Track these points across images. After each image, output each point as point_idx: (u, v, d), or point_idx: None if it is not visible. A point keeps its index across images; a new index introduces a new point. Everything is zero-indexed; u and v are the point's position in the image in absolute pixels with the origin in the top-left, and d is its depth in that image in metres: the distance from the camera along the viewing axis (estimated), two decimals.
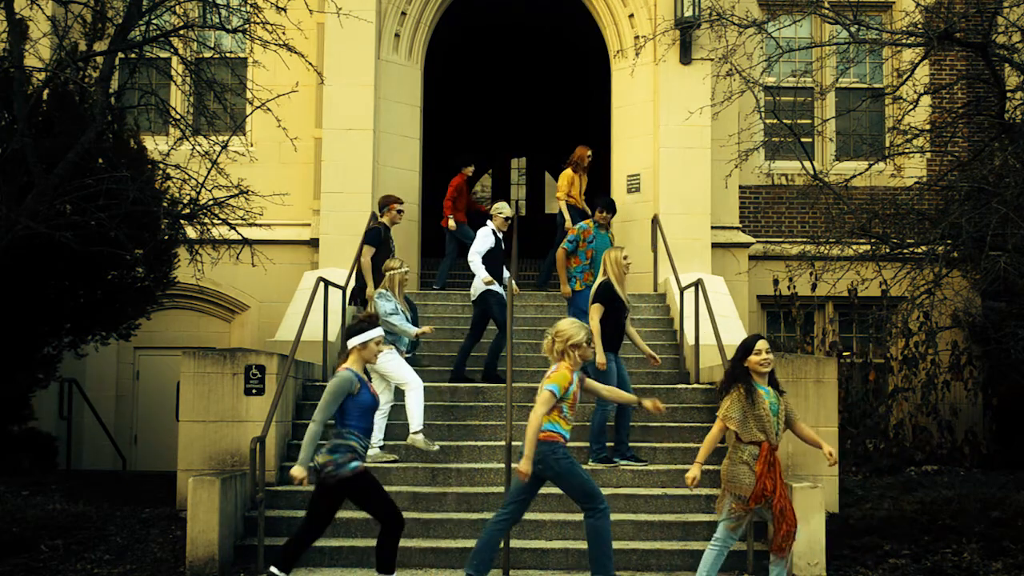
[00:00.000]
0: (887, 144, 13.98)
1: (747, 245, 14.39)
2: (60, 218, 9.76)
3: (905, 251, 11.94)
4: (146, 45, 10.38)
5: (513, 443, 8.35)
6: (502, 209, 11.41)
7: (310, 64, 11.25)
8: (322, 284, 10.80)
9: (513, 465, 7.27)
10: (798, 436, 6.96)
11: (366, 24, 13.28)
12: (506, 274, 11.33)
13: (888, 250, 12.10)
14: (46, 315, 11.32)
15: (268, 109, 10.42)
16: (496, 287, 10.94)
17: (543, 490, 8.92)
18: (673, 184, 13.58)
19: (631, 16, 14.20)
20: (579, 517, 8.52)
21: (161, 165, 11.37)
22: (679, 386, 10.76)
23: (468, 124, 21.42)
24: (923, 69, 13.99)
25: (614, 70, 14.50)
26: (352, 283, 11.30)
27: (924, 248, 11.67)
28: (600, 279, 9.59)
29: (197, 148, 10.98)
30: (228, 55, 13.16)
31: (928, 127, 13.23)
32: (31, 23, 10.88)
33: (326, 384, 7.53)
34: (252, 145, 14.45)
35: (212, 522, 8.00)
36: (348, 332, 6.93)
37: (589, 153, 13.66)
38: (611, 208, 11.45)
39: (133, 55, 10.50)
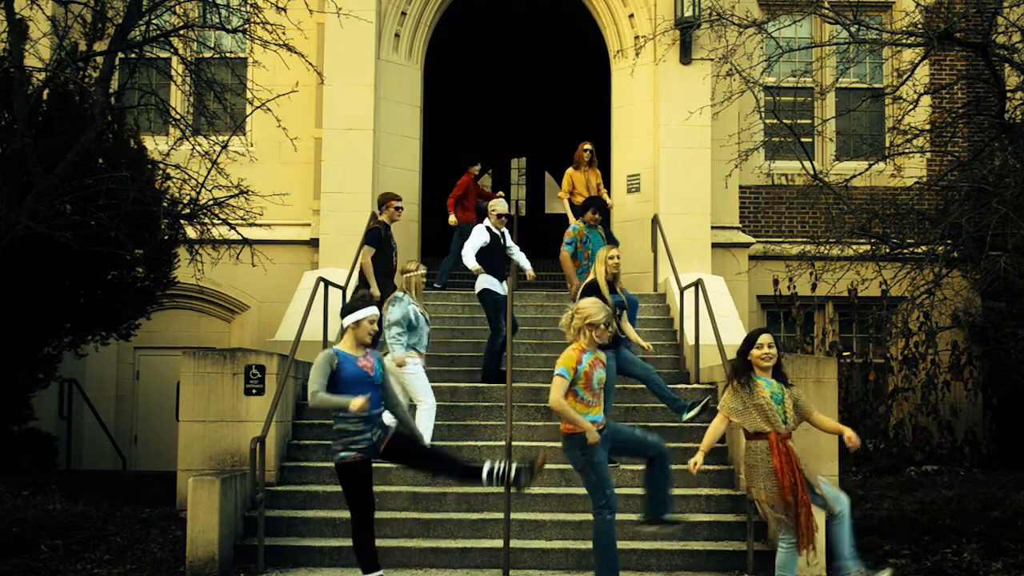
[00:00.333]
0: (887, 144, 13.97)
1: (747, 245, 14.39)
2: (60, 218, 9.76)
3: (905, 251, 11.93)
4: (146, 45, 10.38)
5: (513, 443, 8.33)
6: (496, 206, 11.38)
7: (310, 64, 11.25)
8: (322, 284, 10.81)
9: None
10: (817, 427, 6.89)
11: (366, 24, 13.28)
12: (524, 263, 11.31)
13: (888, 250, 12.09)
14: (46, 315, 11.32)
15: (268, 109, 10.42)
16: (493, 285, 10.91)
17: (543, 490, 8.99)
18: (673, 184, 13.59)
19: (631, 16, 14.20)
20: (579, 517, 8.55)
21: (161, 165, 11.37)
22: (679, 386, 10.75)
23: (468, 124, 21.42)
24: (923, 69, 13.98)
25: (614, 70, 14.50)
26: (353, 283, 11.30)
27: (924, 248, 11.66)
28: (588, 278, 9.63)
29: (197, 148, 10.98)
30: (228, 55, 13.17)
31: (928, 127, 13.21)
32: (31, 23, 10.88)
33: None
34: (252, 145, 14.45)
35: (212, 522, 8.00)
36: (343, 310, 6.86)
37: (586, 147, 13.34)
38: (600, 208, 11.43)
39: (133, 55, 10.50)
